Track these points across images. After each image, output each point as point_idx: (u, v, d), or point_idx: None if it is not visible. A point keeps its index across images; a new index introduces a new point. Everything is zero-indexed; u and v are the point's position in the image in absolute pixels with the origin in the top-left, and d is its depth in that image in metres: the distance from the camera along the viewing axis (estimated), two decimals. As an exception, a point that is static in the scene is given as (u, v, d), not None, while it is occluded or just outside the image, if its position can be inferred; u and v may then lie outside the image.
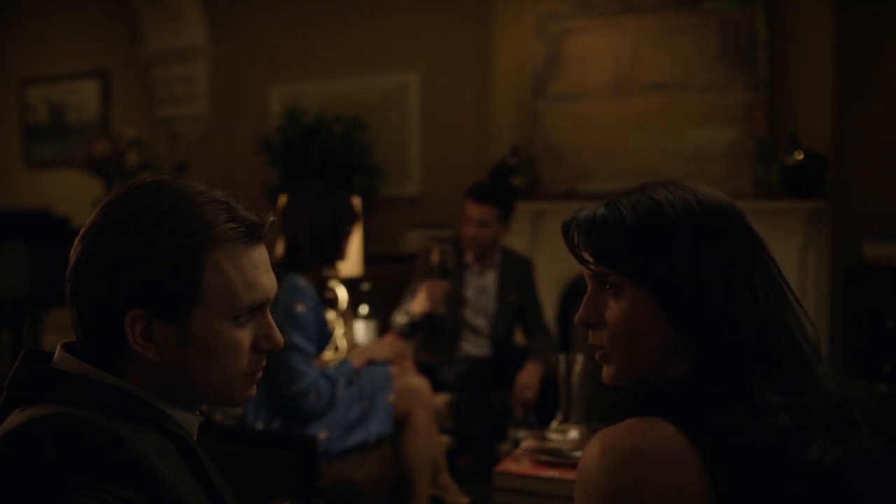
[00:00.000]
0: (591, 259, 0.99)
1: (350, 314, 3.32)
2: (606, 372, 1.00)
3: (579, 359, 1.91)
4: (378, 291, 3.39)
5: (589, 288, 1.01)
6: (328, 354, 2.94)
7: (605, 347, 0.99)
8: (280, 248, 2.56)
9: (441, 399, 2.99)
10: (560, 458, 1.78)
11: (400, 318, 3.18)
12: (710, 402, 0.90)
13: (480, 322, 3.29)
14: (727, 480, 0.85)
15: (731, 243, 0.96)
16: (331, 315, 2.97)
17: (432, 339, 3.26)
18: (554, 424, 1.94)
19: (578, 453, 1.79)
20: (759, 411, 0.88)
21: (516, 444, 2.21)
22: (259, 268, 0.96)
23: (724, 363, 0.91)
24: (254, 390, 0.99)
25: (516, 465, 1.80)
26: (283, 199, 2.70)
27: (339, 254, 2.60)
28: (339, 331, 3.15)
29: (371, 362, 2.61)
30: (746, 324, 0.92)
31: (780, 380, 0.91)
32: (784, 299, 0.98)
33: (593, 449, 0.89)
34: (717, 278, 0.93)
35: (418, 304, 3.08)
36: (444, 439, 2.94)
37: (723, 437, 0.86)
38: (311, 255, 2.50)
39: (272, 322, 0.99)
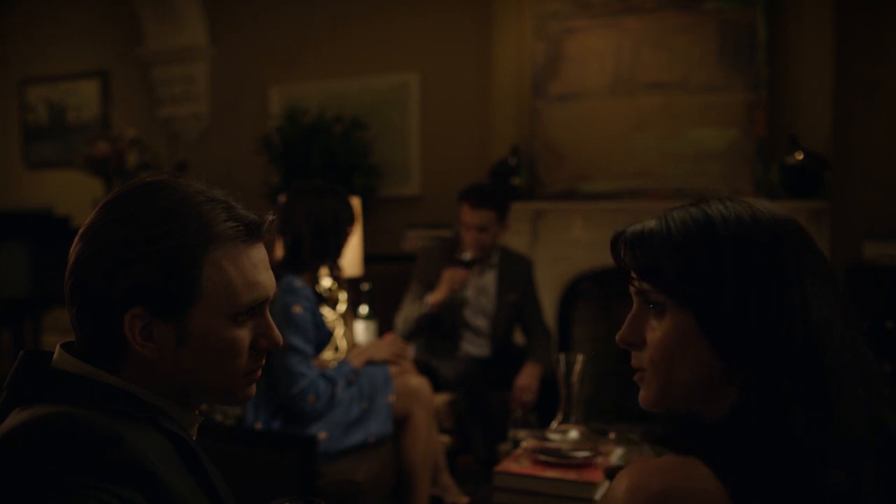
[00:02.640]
0: (635, 276, 0.95)
1: (350, 314, 3.32)
2: (642, 396, 0.93)
3: (579, 359, 1.91)
4: (378, 291, 3.39)
5: (634, 305, 0.96)
6: (328, 354, 2.94)
7: (645, 370, 0.93)
8: (279, 249, 2.56)
9: (441, 399, 2.99)
10: (560, 458, 1.78)
11: (413, 312, 3.18)
12: (752, 444, 0.81)
13: (480, 322, 3.29)
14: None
15: (785, 264, 0.86)
16: (331, 315, 2.97)
17: (433, 340, 3.26)
18: (554, 424, 1.94)
19: (578, 453, 1.79)
20: (809, 460, 0.79)
21: (516, 444, 2.21)
22: (258, 267, 0.96)
23: (770, 399, 0.82)
24: (253, 389, 0.99)
25: (516, 465, 1.80)
26: (282, 198, 2.70)
27: (340, 252, 2.60)
28: (339, 331, 3.15)
29: (370, 362, 2.61)
30: (798, 354, 0.83)
31: (837, 424, 0.81)
32: (848, 329, 0.89)
33: (621, 486, 0.82)
34: (764, 302, 0.84)
35: (438, 293, 3.10)
36: (444, 439, 2.94)
37: (764, 488, 0.78)
38: (311, 255, 2.50)
39: (271, 321, 0.99)
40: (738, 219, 0.88)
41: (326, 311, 2.94)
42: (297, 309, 2.38)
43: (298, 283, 2.43)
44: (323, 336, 2.50)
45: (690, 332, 0.87)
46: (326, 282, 2.93)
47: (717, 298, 0.86)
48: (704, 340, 0.87)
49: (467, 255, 3.16)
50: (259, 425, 2.38)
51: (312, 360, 2.47)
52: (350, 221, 2.60)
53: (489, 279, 3.31)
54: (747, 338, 0.84)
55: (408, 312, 3.22)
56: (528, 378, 3.05)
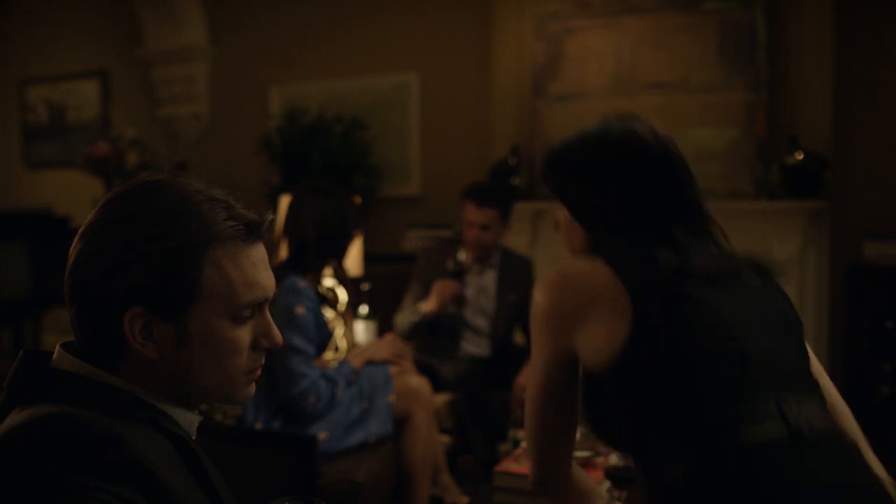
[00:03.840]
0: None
1: (350, 314, 3.32)
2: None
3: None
4: (378, 291, 3.39)
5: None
6: (328, 355, 2.94)
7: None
8: (283, 250, 2.55)
9: (441, 399, 2.99)
10: (560, 458, 1.77)
11: (408, 318, 3.19)
12: (626, 250, 1.21)
13: (480, 322, 3.29)
14: (642, 296, 1.13)
15: (630, 170, 1.27)
16: (330, 315, 2.98)
17: (433, 339, 3.26)
18: (554, 424, 1.93)
19: (578, 453, 1.79)
20: (665, 249, 1.19)
21: (516, 444, 2.21)
22: (258, 266, 0.96)
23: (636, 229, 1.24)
24: (253, 388, 0.99)
25: (516, 465, 1.79)
26: (284, 199, 2.70)
27: (345, 253, 2.60)
28: (339, 331, 3.15)
29: (370, 363, 2.61)
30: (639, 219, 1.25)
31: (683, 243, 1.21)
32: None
33: (539, 285, 1.25)
34: (611, 198, 1.26)
35: (429, 303, 3.11)
36: (444, 439, 2.94)
37: (635, 265, 1.17)
38: (317, 256, 2.50)
39: (271, 320, 0.99)
40: (598, 131, 1.34)
41: (327, 312, 2.94)
42: (300, 309, 2.38)
43: (301, 283, 2.43)
44: (324, 337, 2.50)
45: (571, 220, 1.31)
46: (328, 282, 2.94)
47: (578, 201, 1.30)
48: (578, 224, 1.30)
49: (459, 259, 3.14)
50: (259, 425, 2.38)
51: (313, 360, 2.47)
52: (356, 223, 2.60)
53: (489, 279, 3.31)
54: (597, 222, 1.27)
55: (403, 318, 3.22)
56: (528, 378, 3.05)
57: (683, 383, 1.10)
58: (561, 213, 1.36)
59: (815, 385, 1.17)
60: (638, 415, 1.13)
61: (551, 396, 1.26)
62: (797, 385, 1.13)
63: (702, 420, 1.08)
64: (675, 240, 1.21)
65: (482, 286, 3.30)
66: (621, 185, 1.26)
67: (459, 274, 3.15)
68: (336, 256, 2.56)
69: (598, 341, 1.15)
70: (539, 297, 1.23)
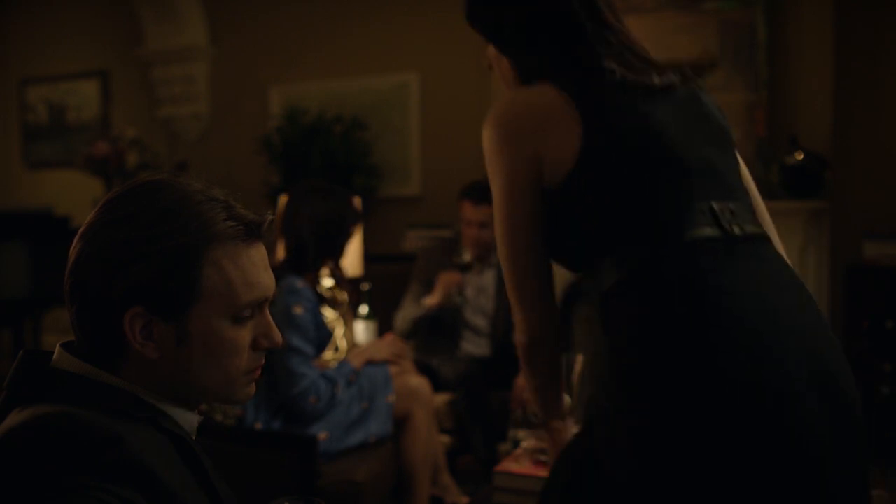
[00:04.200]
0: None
1: (350, 314, 3.32)
2: None
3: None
4: (378, 291, 3.39)
5: None
6: (328, 355, 2.94)
7: None
8: (280, 251, 2.55)
9: (441, 399, 2.99)
10: (560, 458, 1.77)
11: (411, 313, 3.19)
12: (564, 68, 1.27)
13: (480, 321, 3.29)
14: (590, 110, 1.20)
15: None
16: (331, 315, 2.97)
17: (433, 340, 3.26)
18: (554, 424, 1.93)
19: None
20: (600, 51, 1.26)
21: (516, 444, 2.21)
22: (258, 266, 0.96)
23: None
24: (253, 388, 0.99)
25: (516, 465, 1.80)
26: (283, 199, 2.69)
27: (343, 253, 2.60)
28: (339, 331, 3.15)
29: (370, 363, 2.61)
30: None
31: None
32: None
33: (490, 115, 1.28)
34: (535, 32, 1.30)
35: (434, 296, 3.11)
36: (444, 439, 2.94)
37: (579, 80, 1.24)
38: (315, 256, 2.50)
39: (271, 320, 0.99)
40: None
41: (327, 312, 2.94)
42: (298, 310, 2.38)
43: (300, 283, 2.43)
44: (323, 336, 2.50)
45: (500, 55, 1.37)
46: (328, 282, 2.93)
47: (499, 31, 1.35)
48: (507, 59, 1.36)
49: (464, 258, 3.16)
50: (259, 425, 2.38)
51: (313, 360, 2.47)
52: (354, 222, 2.60)
53: (489, 278, 3.31)
54: (523, 48, 1.32)
55: (406, 313, 3.23)
56: (528, 378, 3.05)
57: (629, 191, 1.19)
58: (490, 50, 1.38)
59: (744, 191, 1.27)
60: (589, 225, 1.21)
61: (521, 218, 1.26)
62: (729, 192, 1.22)
63: (645, 224, 1.17)
64: (601, 53, 1.27)
65: (482, 286, 3.30)
66: (536, 5, 1.30)
67: (463, 268, 3.17)
68: (333, 256, 2.56)
69: (553, 155, 1.21)
70: (492, 123, 1.26)
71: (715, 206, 1.18)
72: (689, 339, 1.09)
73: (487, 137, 1.28)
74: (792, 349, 1.09)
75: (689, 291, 1.11)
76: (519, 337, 1.33)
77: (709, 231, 1.16)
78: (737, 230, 1.17)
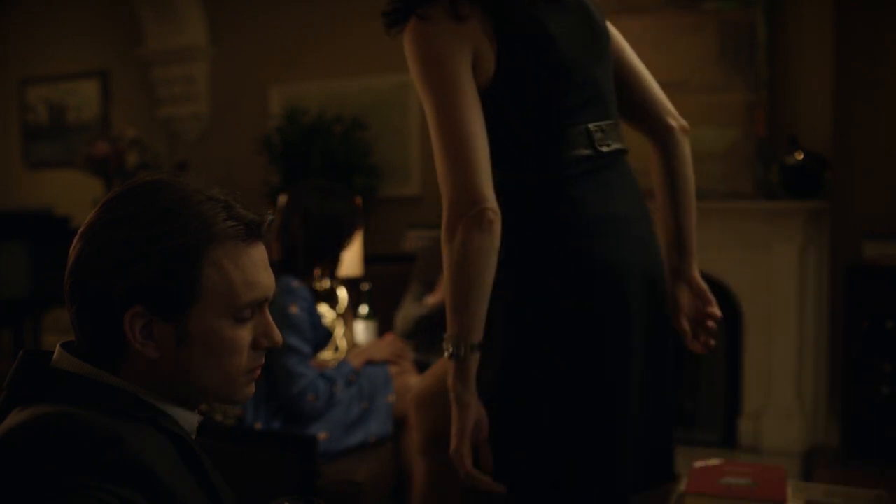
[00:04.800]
0: None
1: (350, 314, 3.32)
2: None
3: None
4: (378, 291, 3.39)
5: None
6: (328, 354, 2.94)
7: None
8: (275, 250, 2.54)
9: (441, 399, 2.99)
10: (560, 458, 1.77)
11: (414, 311, 3.18)
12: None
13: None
14: (500, 16, 1.36)
15: None
16: (330, 315, 2.97)
17: (433, 339, 3.26)
18: (554, 424, 1.93)
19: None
20: None
21: (516, 443, 2.21)
22: (258, 266, 0.96)
23: None
24: (252, 388, 0.99)
25: (516, 464, 1.79)
26: (283, 198, 2.69)
27: (339, 257, 2.57)
28: (339, 331, 3.15)
29: (370, 362, 2.61)
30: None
31: None
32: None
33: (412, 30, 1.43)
34: None
35: (436, 295, 3.10)
36: (444, 439, 2.94)
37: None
38: (307, 257, 2.48)
39: (271, 320, 0.99)
40: None
41: (326, 310, 2.93)
42: (294, 309, 2.37)
43: (295, 283, 2.42)
44: (321, 335, 2.50)
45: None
46: (327, 282, 2.93)
47: None
48: None
49: None
50: (259, 425, 2.38)
51: (311, 360, 2.47)
52: (352, 226, 2.56)
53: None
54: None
55: (407, 312, 3.22)
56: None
57: (528, 107, 1.40)
58: None
59: (615, 104, 1.50)
60: (497, 133, 1.38)
61: (467, 102, 1.36)
62: (605, 111, 1.45)
63: (534, 139, 1.40)
64: None
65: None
66: None
67: None
68: (330, 257, 2.55)
69: (480, 63, 1.38)
70: (426, 29, 1.40)
71: (591, 127, 1.42)
72: (556, 237, 1.39)
73: (422, 40, 1.41)
74: (631, 251, 1.43)
75: (559, 200, 1.39)
76: (464, 211, 1.33)
77: (583, 151, 1.41)
78: (605, 148, 1.43)
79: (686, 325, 1.61)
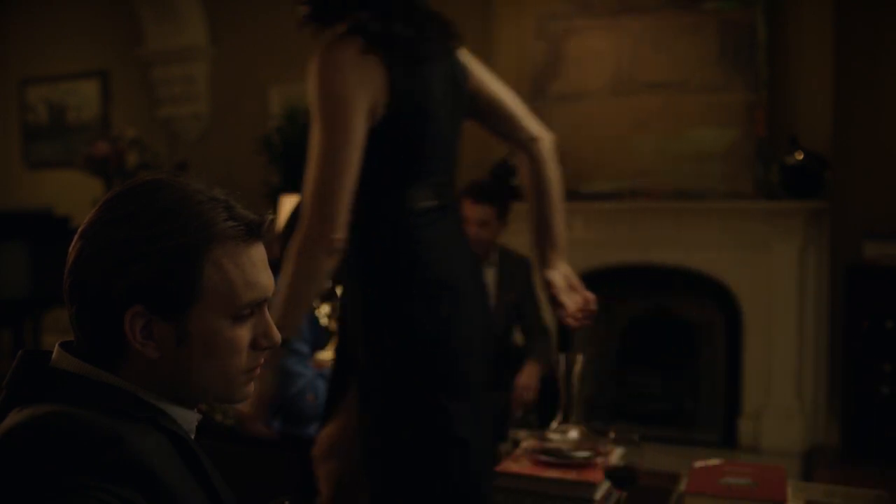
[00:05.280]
0: None
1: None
2: None
3: (579, 359, 1.91)
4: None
5: None
6: (327, 354, 2.93)
7: None
8: (274, 249, 2.54)
9: (441, 399, 2.98)
10: (560, 458, 1.78)
11: None
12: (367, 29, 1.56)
13: (480, 322, 3.29)
14: (393, 64, 1.56)
15: None
16: (327, 313, 2.96)
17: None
18: (554, 424, 1.93)
19: (578, 453, 1.79)
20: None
21: (516, 444, 2.21)
22: (258, 266, 0.96)
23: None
24: (252, 388, 0.99)
25: (516, 465, 1.79)
26: (284, 199, 2.68)
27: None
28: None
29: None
30: None
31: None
32: None
33: (322, 62, 1.56)
34: None
35: None
36: (444, 439, 2.93)
37: (384, 41, 1.56)
38: None
39: (270, 320, 0.99)
40: None
41: (324, 309, 2.93)
42: None
43: None
44: (318, 333, 2.48)
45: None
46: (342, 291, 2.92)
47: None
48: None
49: None
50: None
51: (309, 359, 2.46)
52: None
53: (488, 278, 3.30)
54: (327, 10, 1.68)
55: None
56: (528, 377, 3.05)
57: (398, 157, 1.62)
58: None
59: (455, 164, 1.75)
60: (371, 168, 1.58)
61: (354, 142, 1.54)
62: (450, 168, 1.72)
63: (396, 184, 1.63)
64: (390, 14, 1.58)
65: (482, 286, 3.30)
66: None
67: None
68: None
69: (376, 100, 1.56)
70: (335, 57, 1.54)
71: (439, 181, 1.67)
72: (408, 265, 1.62)
73: (333, 72, 1.54)
74: (469, 285, 1.71)
75: (409, 241, 1.62)
76: (318, 235, 1.55)
77: (429, 203, 1.64)
78: (446, 201, 1.68)
79: (564, 299, 1.84)
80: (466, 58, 1.74)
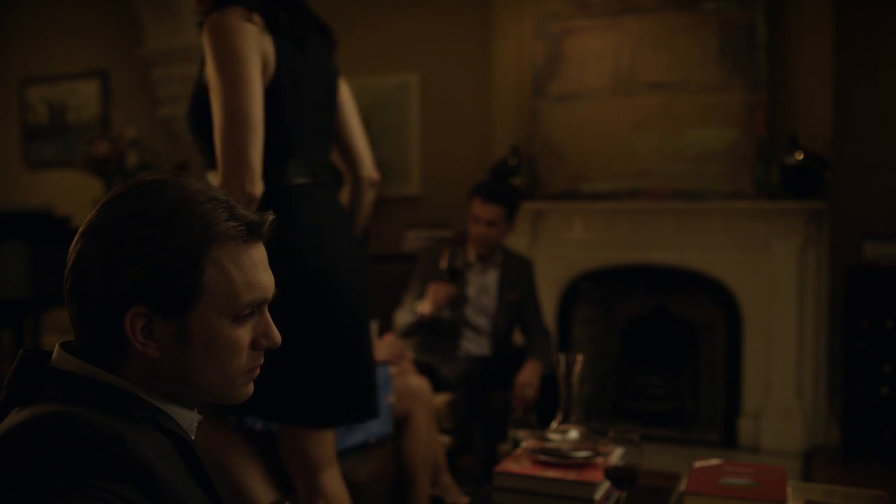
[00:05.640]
0: None
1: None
2: None
3: (579, 359, 1.91)
4: (378, 291, 3.38)
5: None
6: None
7: None
8: None
9: (441, 399, 2.99)
10: (560, 458, 1.78)
11: (406, 318, 3.19)
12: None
13: (481, 321, 3.29)
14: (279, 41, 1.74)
15: None
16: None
17: (433, 339, 3.26)
18: (554, 424, 1.94)
19: (578, 453, 1.79)
20: None
21: (516, 444, 2.21)
22: (258, 266, 0.96)
23: None
24: (251, 388, 1.00)
25: (516, 465, 1.79)
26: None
27: None
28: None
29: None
30: None
31: None
32: None
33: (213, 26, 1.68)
34: None
35: (425, 305, 3.10)
36: (444, 439, 2.94)
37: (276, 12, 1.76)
38: None
39: (270, 320, 0.99)
40: None
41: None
42: None
43: None
44: None
45: None
46: None
47: None
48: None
49: (456, 262, 3.13)
50: (259, 427, 2.38)
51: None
52: None
53: (492, 278, 3.31)
54: None
55: (401, 318, 3.22)
56: (529, 375, 3.06)
57: (275, 123, 1.74)
58: None
59: (331, 145, 1.97)
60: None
61: (255, 94, 1.67)
62: (325, 149, 1.91)
63: (277, 163, 1.76)
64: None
65: (484, 285, 3.30)
66: None
67: (454, 276, 3.13)
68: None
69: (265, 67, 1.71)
70: (230, 24, 1.66)
71: (313, 161, 1.84)
72: (288, 241, 1.72)
73: (226, 26, 1.66)
74: (342, 256, 1.86)
75: (288, 212, 1.75)
76: (233, 189, 1.64)
77: (302, 180, 1.81)
78: (320, 179, 1.85)
79: None
80: (342, 81, 2.00)
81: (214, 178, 1.80)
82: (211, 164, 1.81)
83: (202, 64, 1.77)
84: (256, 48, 1.68)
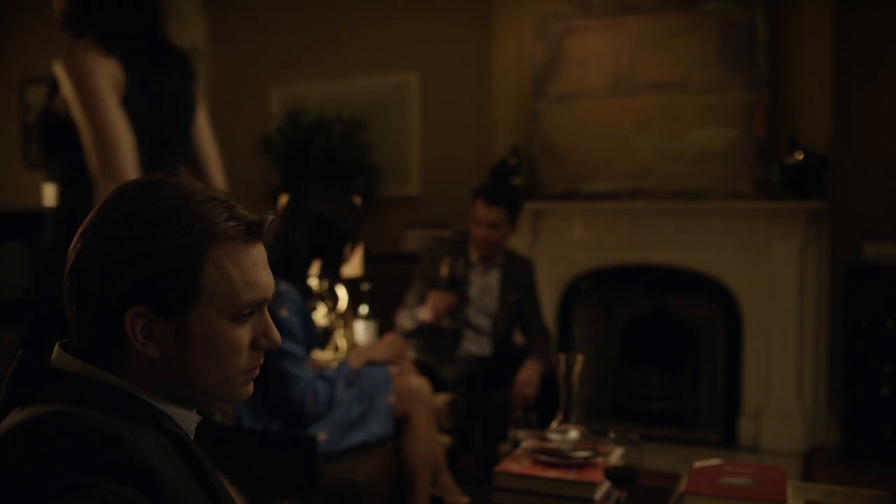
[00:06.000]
0: None
1: (350, 314, 3.32)
2: None
3: (579, 359, 1.91)
4: (378, 291, 3.39)
5: None
6: (328, 354, 2.93)
7: None
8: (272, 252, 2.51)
9: (441, 399, 2.99)
10: (560, 458, 1.78)
11: (407, 324, 3.19)
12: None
13: (482, 321, 3.29)
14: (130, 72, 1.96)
15: None
16: (322, 309, 2.96)
17: (433, 340, 3.26)
18: (554, 424, 1.94)
19: (578, 453, 1.79)
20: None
21: (516, 444, 2.21)
22: (258, 266, 0.96)
23: None
24: (251, 388, 1.00)
25: (516, 465, 1.79)
26: (284, 199, 2.67)
27: (337, 266, 2.53)
28: (339, 331, 3.15)
29: (370, 363, 2.60)
30: None
31: None
32: None
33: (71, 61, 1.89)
34: None
35: (425, 312, 3.10)
36: (444, 439, 2.94)
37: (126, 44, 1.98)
38: (304, 266, 2.45)
39: (270, 320, 0.99)
40: None
41: (322, 308, 2.93)
42: (284, 313, 2.34)
43: (283, 285, 2.38)
44: (313, 333, 2.47)
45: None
46: (342, 292, 2.92)
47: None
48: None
49: (458, 270, 3.13)
50: (260, 425, 2.38)
51: (306, 360, 2.46)
52: (351, 236, 2.51)
53: (493, 278, 3.31)
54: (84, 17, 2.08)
55: (402, 322, 3.22)
56: (529, 373, 3.05)
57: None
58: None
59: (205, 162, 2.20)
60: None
61: (117, 119, 1.88)
62: (173, 163, 2.09)
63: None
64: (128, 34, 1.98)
65: (486, 286, 3.30)
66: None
67: (454, 285, 3.12)
68: (331, 261, 2.51)
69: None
70: (87, 57, 1.88)
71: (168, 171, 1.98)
72: None
73: (83, 66, 1.87)
74: None
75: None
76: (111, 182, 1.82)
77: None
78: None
79: None
80: (199, 101, 2.22)
81: (50, 189, 1.98)
82: (53, 178, 2.05)
83: (52, 91, 1.96)
84: (110, 84, 1.91)
